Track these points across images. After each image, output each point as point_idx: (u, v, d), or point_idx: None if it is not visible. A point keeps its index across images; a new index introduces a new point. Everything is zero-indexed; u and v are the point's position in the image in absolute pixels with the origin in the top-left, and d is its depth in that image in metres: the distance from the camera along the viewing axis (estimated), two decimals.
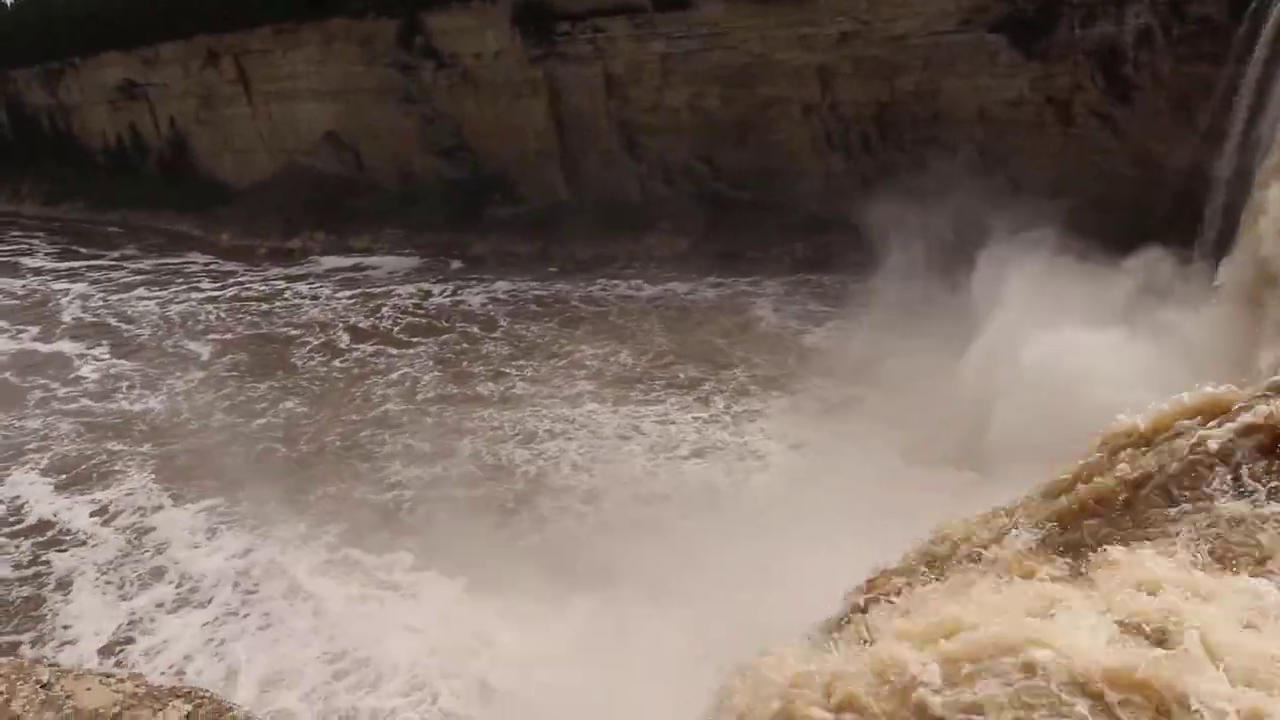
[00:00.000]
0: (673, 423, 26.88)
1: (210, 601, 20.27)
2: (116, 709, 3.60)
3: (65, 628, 19.85)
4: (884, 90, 37.94)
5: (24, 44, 79.31)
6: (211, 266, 52.77)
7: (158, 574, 21.57)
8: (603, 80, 44.16)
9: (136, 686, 3.82)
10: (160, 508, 24.65)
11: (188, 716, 3.69)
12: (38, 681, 3.74)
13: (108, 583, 21.38)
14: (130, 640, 19.26)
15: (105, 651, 18.91)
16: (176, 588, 20.93)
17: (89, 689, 3.70)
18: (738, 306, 36.26)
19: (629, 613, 17.10)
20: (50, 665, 3.85)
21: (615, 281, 40.49)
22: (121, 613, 20.20)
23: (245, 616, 19.65)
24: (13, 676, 3.74)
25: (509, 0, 45.18)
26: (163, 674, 17.77)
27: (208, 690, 3.99)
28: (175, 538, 22.93)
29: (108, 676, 3.90)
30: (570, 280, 41.43)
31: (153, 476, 26.48)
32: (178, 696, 3.81)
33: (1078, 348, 20.55)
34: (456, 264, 46.32)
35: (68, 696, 3.64)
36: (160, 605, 20.36)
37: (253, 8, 56.32)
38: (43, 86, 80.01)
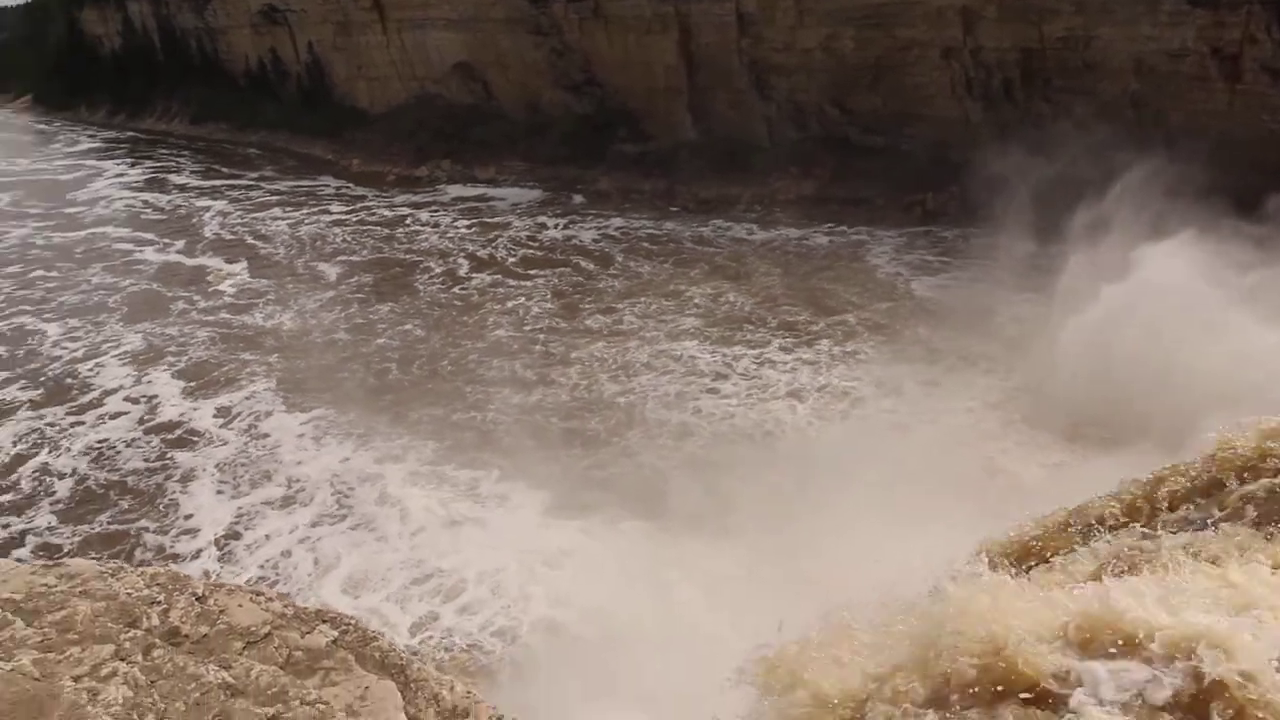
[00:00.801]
0: (772, 364, 26.71)
1: (311, 502, 21.37)
2: (266, 628, 3.58)
3: (186, 518, 21.15)
4: (1031, 35, 35.86)
5: None
6: (343, 191, 54.29)
7: (267, 475, 22.79)
8: (735, 18, 43.11)
9: (285, 607, 3.80)
10: (273, 413, 26.01)
11: (334, 641, 3.65)
12: (193, 594, 3.75)
13: (223, 480, 22.67)
14: (238, 535, 20.41)
15: (218, 543, 20.10)
16: (282, 488, 22.12)
17: (240, 605, 3.70)
18: (855, 254, 35.48)
19: (698, 547, 17.29)
20: (204, 580, 3.87)
21: (733, 223, 40.08)
22: (232, 508, 21.37)
23: (340, 519, 20.61)
24: (170, 587, 3.75)
25: None
26: (261, 566, 19.16)
27: (353, 617, 3.97)
28: (286, 442, 24.21)
29: (258, 595, 3.90)
30: (690, 220, 41.14)
31: (273, 385, 27.84)
32: (324, 620, 3.78)
33: (1216, 322, 19.21)
34: (579, 198, 46.44)
35: (221, 611, 3.63)
36: (267, 503, 21.53)
37: None
38: (192, 10, 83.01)
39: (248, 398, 27.17)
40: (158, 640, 3.52)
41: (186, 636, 3.65)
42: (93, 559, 4.36)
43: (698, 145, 45.85)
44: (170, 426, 25.75)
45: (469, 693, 3.80)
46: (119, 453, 24.37)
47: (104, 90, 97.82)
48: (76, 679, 3.16)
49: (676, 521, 18.27)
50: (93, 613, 3.55)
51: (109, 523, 21.14)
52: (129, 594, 3.76)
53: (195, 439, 24.93)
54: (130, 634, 3.47)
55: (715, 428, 23.23)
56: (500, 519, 19.87)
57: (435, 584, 18.06)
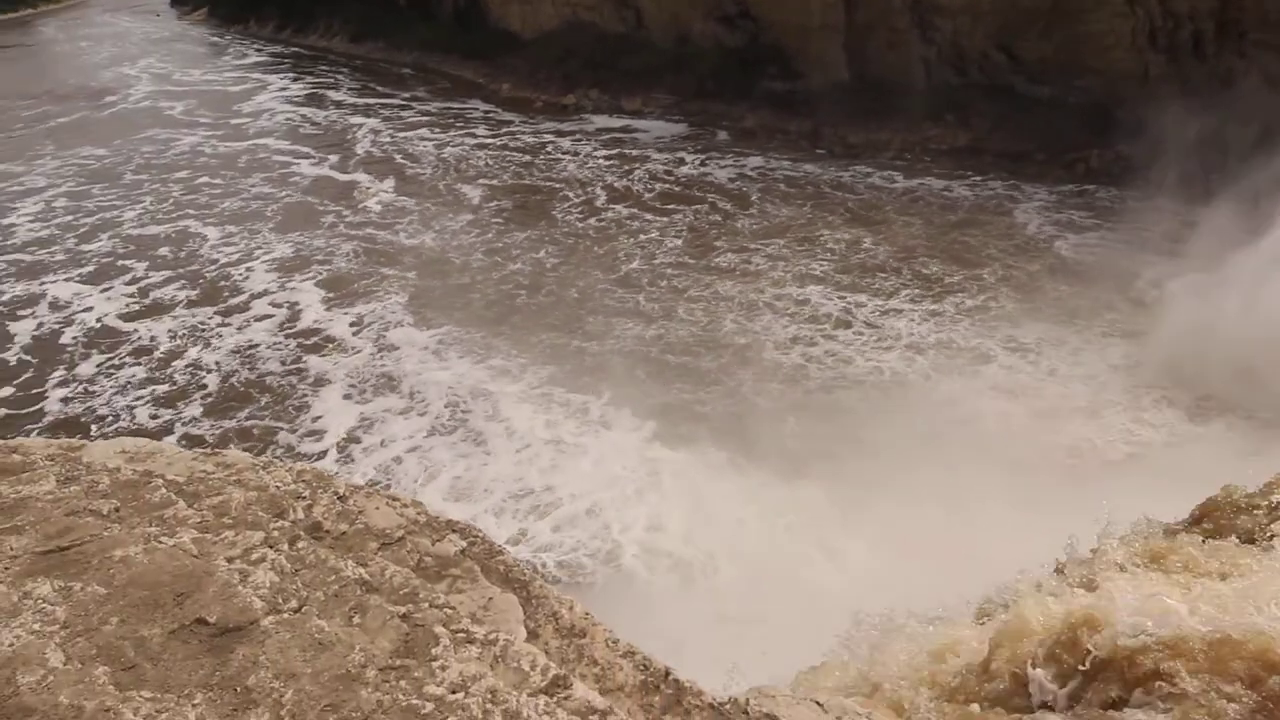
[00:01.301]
0: (900, 314, 26.16)
1: (426, 413, 22.46)
2: (400, 531, 3.73)
3: (315, 419, 22.63)
4: None
5: None
6: (490, 115, 55.02)
7: (391, 384, 24.15)
8: None
9: (418, 513, 3.95)
10: (403, 325, 27.37)
11: (463, 551, 3.77)
12: (335, 493, 3.93)
13: (350, 386, 24.18)
14: (358, 440, 21.70)
15: (339, 445, 21.47)
16: (403, 399, 23.36)
17: (377, 508, 3.86)
18: (1001, 208, 33.98)
19: (791, 490, 17.51)
20: (347, 483, 4.05)
21: (876, 169, 38.72)
22: (356, 413, 22.78)
23: (452, 431, 21.71)
24: (315, 484, 3.95)
25: None
26: (375, 469, 20.36)
27: (480, 530, 4.10)
28: (411, 355, 25.54)
29: (394, 499, 4.06)
30: (833, 163, 40.04)
31: (405, 300, 29.15)
32: (454, 530, 3.91)
33: None
34: (723, 135, 45.74)
35: (359, 512, 3.80)
36: (388, 410, 22.88)
37: None
38: None
39: (381, 310, 28.52)
40: (301, 533, 3.67)
41: (328, 532, 3.80)
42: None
43: (849, 86, 44.36)
44: (308, 333, 27.40)
45: (586, 614, 3.85)
46: (260, 354, 26.13)
47: (273, 5, 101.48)
48: (229, 560, 3.33)
49: (774, 461, 18.58)
50: (245, 501, 3.73)
51: (246, 419, 22.77)
52: (278, 487, 3.93)
53: (329, 345, 26.49)
54: (278, 524, 3.63)
55: (826, 374, 23.17)
56: (603, 443, 20.49)
57: (533, 500, 18.81)
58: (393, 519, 3.97)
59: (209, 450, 4.24)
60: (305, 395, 23.77)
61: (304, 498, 3.89)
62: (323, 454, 20.99)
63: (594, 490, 18.77)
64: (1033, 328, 24.33)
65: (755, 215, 34.79)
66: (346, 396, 23.59)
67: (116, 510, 3.57)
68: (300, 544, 3.53)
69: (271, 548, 3.45)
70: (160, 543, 3.37)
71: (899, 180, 37.67)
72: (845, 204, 35.49)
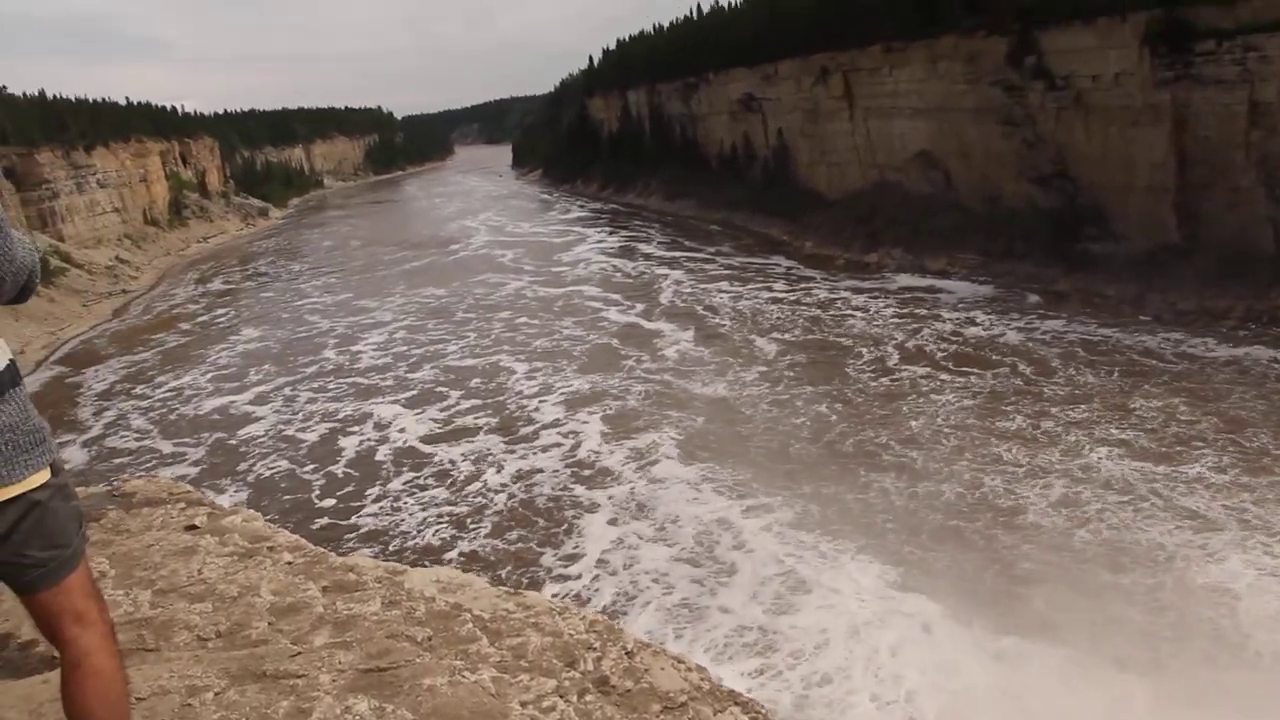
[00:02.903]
0: (1205, 486, 23.55)
1: (675, 543, 23.34)
2: (683, 696, 3.70)
3: (576, 544, 23.92)
4: None
5: (671, 62, 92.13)
6: (792, 271, 56.28)
7: (648, 511, 25.30)
8: (1246, 108, 38.22)
9: (701, 679, 3.92)
10: (672, 459, 28.60)
11: None
12: (624, 648, 4.00)
13: (613, 513, 25.45)
14: (607, 563, 22.76)
15: (591, 570, 22.52)
16: (655, 526, 24.41)
17: (663, 669, 3.88)
18: None
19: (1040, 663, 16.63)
20: (635, 638, 4.11)
21: (1221, 341, 34.66)
22: (611, 537, 24.05)
23: (698, 563, 22.25)
24: (605, 636, 4.04)
25: (1142, 17, 41.18)
26: (615, 592, 21.26)
27: (763, 706, 3.99)
28: (673, 487, 26.62)
29: (679, 662, 4.06)
30: (1165, 330, 36.59)
31: (681, 439, 30.33)
32: (736, 703, 3.82)
33: None
34: (1034, 298, 43.60)
35: (645, 670, 3.82)
36: (640, 536, 23.92)
37: (867, 26, 58.71)
38: (680, 98, 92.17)
39: (654, 445, 29.97)
40: (590, 685, 3.67)
41: (614, 688, 3.77)
42: (546, 595, 4.73)
43: (1179, 249, 41.08)
44: (583, 464, 29.20)
45: None
46: (539, 480, 28.21)
47: (598, 166, 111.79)
48: (523, 704, 3.38)
49: (1023, 626, 18.00)
50: (541, 645, 3.80)
51: (516, 541, 24.51)
52: (571, 635, 3.98)
53: (601, 477, 28.09)
54: (569, 674, 3.65)
55: (1099, 546, 21.39)
56: (844, 589, 20.22)
57: (760, 640, 18.82)
58: (677, 682, 3.90)
59: (511, 590, 4.40)
60: (572, 519, 25.35)
61: (594, 649, 3.91)
62: (577, 576, 22.30)
63: (836, 628, 18.77)
64: None
65: (1060, 381, 32.44)
66: (610, 523, 24.93)
67: (429, 639, 3.75)
68: (588, 697, 3.53)
69: (562, 697, 3.47)
70: (464, 677, 3.48)
71: (1238, 349, 33.82)
72: (1168, 372, 32.28)
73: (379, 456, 31.22)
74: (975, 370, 34.56)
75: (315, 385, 40.49)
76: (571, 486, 27.46)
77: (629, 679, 3.79)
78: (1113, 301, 40.71)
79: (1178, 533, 21.50)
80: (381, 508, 27.10)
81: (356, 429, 34.12)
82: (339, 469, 30.40)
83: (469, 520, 25.90)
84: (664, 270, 60.33)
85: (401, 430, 33.55)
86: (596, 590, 21.40)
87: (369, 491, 28.26)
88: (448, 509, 26.69)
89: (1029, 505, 23.63)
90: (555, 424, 32.82)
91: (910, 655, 17.59)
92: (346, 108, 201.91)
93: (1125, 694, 15.58)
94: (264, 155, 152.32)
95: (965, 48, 51.24)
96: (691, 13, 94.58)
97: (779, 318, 45.33)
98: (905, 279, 50.49)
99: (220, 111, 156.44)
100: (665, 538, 23.71)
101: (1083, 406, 29.83)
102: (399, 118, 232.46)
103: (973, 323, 40.88)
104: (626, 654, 3.96)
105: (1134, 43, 41.67)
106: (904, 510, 24.03)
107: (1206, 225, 40.68)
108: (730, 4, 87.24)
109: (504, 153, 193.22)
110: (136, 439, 35.28)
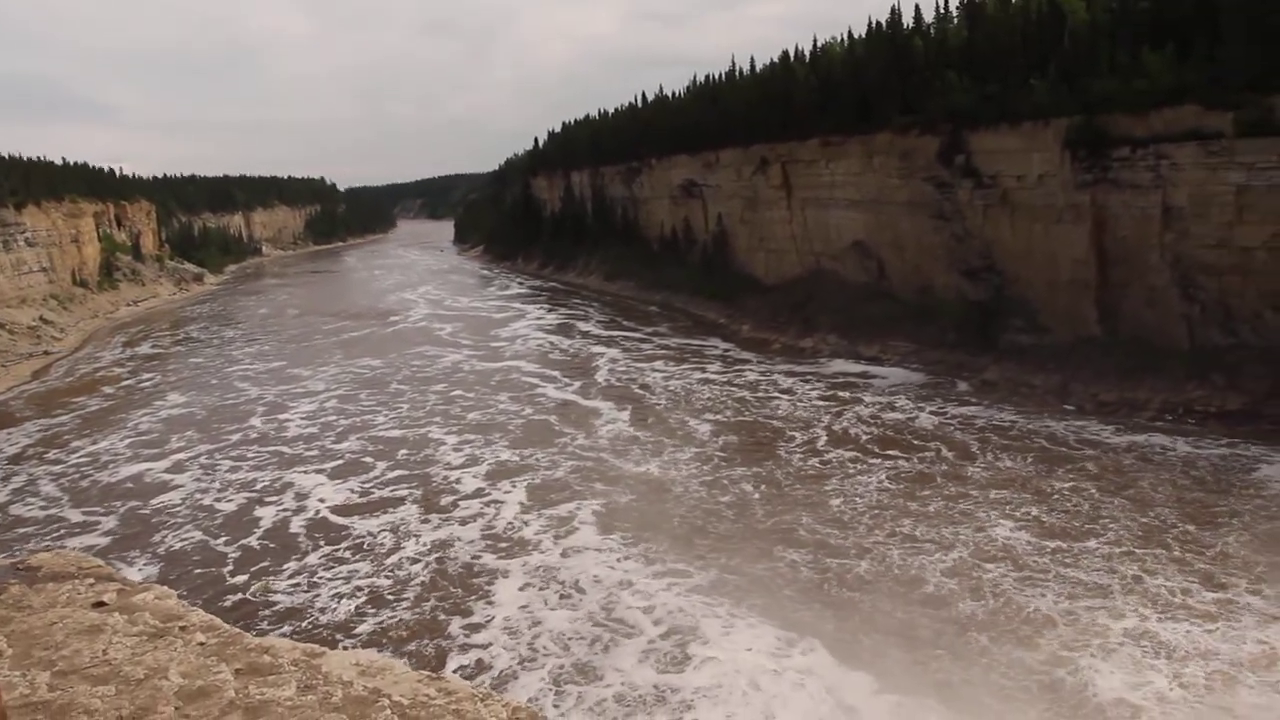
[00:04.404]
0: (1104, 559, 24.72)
1: (575, 603, 24.25)
2: None
3: (486, 610, 24.15)
4: None
5: (614, 146, 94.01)
6: (729, 353, 56.85)
7: (557, 580, 25.76)
8: (1160, 211, 40.05)
9: None
10: (580, 529, 29.20)
11: None
12: None
13: (528, 580, 25.87)
14: (515, 631, 22.97)
15: (504, 630, 22.95)
16: (565, 591, 24.98)
17: None
18: (1256, 480, 30.25)
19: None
20: None
21: (1138, 432, 35.69)
22: (519, 598, 24.66)
23: (597, 624, 23.05)
24: None
25: (1063, 123, 43.25)
26: (517, 658, 21.76)
27: None
28: (588, 557, 27.09)
29: None
30: (1085, 420, 37.59)
31: (595, 511, 30.79)
32: None
33: None
34: (963, 385, 44.55)
35: None
36: (545, 604, 24.36)
37: (806, 121, 60.70)
38: (623, 181, 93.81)
39: (575, 517, 30.34)
40: None
41: None
42: (465, 679, 4.58)
43: (1101, 342, 42.51)
44: (499, 536, 29.37)
45: None
46: (454, 550, 28.21)
47: (539, 245, 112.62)
48: None
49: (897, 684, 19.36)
50: None
51: (430, 609, 24.46)
52: None
53: (518, 546, 28.40)
54: None
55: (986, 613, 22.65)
56: (731, 649, 21.29)
57: (652, 700, 19.66)
58: None
59: (433, 674, 4.26)
60: (484, 586, 25.55)
61: None
62: (484, 645, 22.44)
63: (722, 690, 19.70)
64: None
65: (983, 467, 33.14)
66: (521, 589, 25.34)
67: None
68: None
69: None
70: None
71: (1154, 439, 34.89)
72: (1089, 460, 33.10)
73: (297, 528, 30.46)
74: (900, 454, 35.17)
75: (237, 453, 39.42)
76: (480, 558, 27.62)
77: None
78: (1039, 391, 41.79)
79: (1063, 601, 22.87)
80: (298, 583, 26.26)
81: (275, 499, 33.28)
82: (255, 541, 29.52)
83: (386, 593, 25.45)
84: (601, 349, 60.52)
85: (322, 500, 32.92)
86: (496, 656, 21.88)
87: (286, 565, 27.43)
88: (364, 581, 26.16)
89: (929, 577, 24.59)
90: (478, 495, 32.84)
91: (797, 704, 19.07)
92: (289, 176, 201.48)
93: None
94: (202, 221, 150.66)
95: (899, 145, 53.15)
96: (636, 100, 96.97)
97: (713, 398, 45.59)
98: (840, 364, 51.31)
99: (160, 175, 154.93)
100: (571, 603, 24.31)
101: (997, 490, 30.61)
102: (342, 189, 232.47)
103: (900, 409, 41.54)
104: None
105: (1056, 146, 43.61)
106: (808, 581, 24.94)
107: (1126, 320, 42.23)
108: (674, 93, 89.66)
109: (446, 228, 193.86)
110: (44, 507, 33.82)
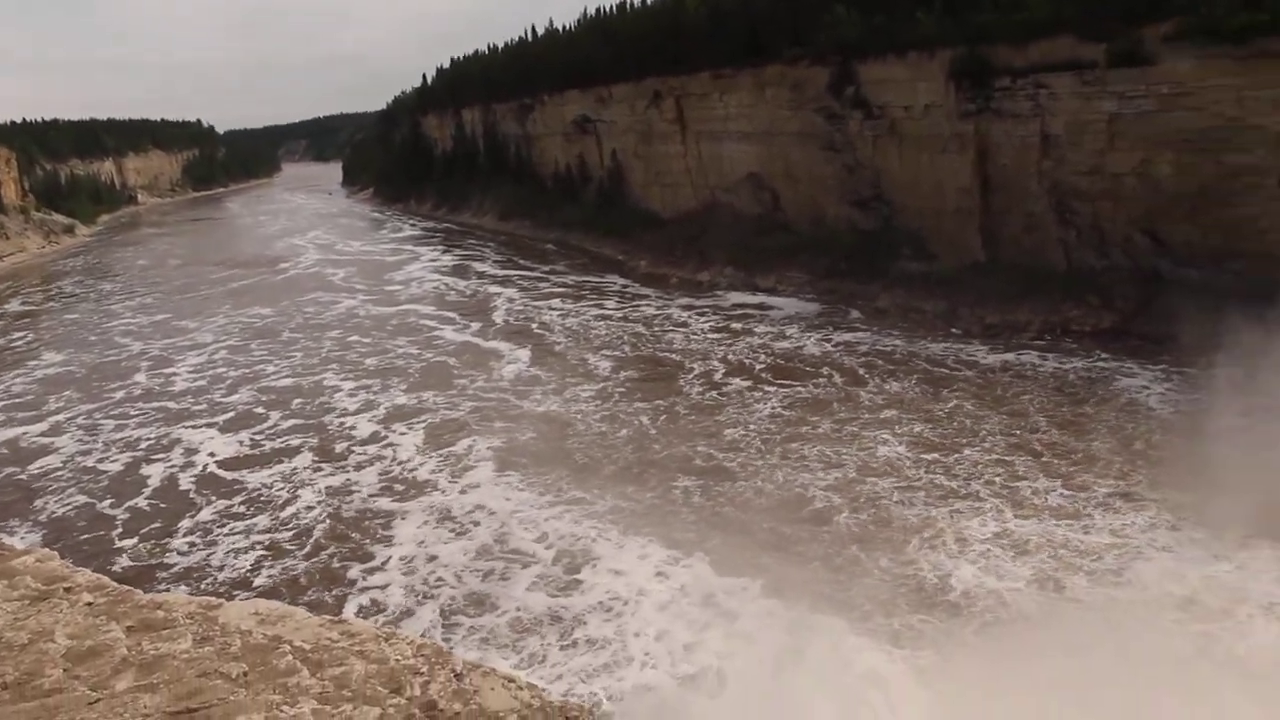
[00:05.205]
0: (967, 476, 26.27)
1: (470, 536, 24.85)
2: (514, 716, 3.63)
3: (385, 551, 24.32)
4: None
5: (506, 82, 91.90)
6: (626, 289, 56.94)
7: (453, 518, 26.06)
8: (1038, 139, 41.45)
9: (532, 697, 3.87)
10: (477, 467, 29.46)
11: None
12: (453, 670, 3.89)
13: (425, 519, 26.25)
14: (412, 570, 23.29)
15: (401, 569, 23.29)
16: (459, 527, 25.44)
17: (493, 689, 3.80)
18: (1111, 390, 32.40)
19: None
20: (464, 660, 4.01)
21: (1017, 350, 37.57)
22: (416, 535, 25.15)
23: (492, 557, 23.66)
24: (434, 660, 3.93)
25: (948, 54, 44.08)
26: (412, 591, 22.11)
27: (593, 714, 3.97)
28: (486, 492, 27.59)
29: (510, 681, 3.99)
30: (970, 342, 39.27)
31: (493, 448, 30.96)
32: (567, 716, 3.79)
33: None
34: (856, 314, 45.76)
35: (474, 691, 3.74)
36: (441, 540, 24.83)
37: (697, 54, 60.37)
38: (515, 118, 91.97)
39: (466, 451, 30.78)
40: (417, 711, 3.58)
41: (442, 711, 3.70)
42: (369, 622, 4.59)
43: (986, 268, 44.11)
44: (399, 478, 29.34)
45: None
46: (352, 494, 28.13)
47: (431, 186, 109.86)
48: None
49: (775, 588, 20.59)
50: (365, 674, 3.69)
51: (329, 556, 24.34)
52: (397, 660, 3.88)
53: (412, 486, 28.53)
54: (395, 700, 3.56)
55: (859, 517, 24.34)
56: (629, 569, 22.32)
57: (547, 621, 20.40)
58: (507, 701, 3.87)
59: (335, 618, 4.26)
60: (380, 531, 25.61)
61: (421, 673, 3.82)
62: (382, 586, 22.56)
63: (622, 612, 20.60)
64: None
65: (872, 390, 34.34)
66: (421, 525, 25.71)
67: (245, 675, 3.58)
68: None
69: None
70: (281, 711, 3.34)
71: (1025, 356, 36.85)
72: (968, 380, 34.74)
73: (187, 485, 29.64)
74: (793, 381, 36.16)
75: (120, 411, 37.88)
76: (383, 499, 27.68)
77: (458, 701, 3.72)
78: (928, 316, 43.23)
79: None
80: (192, 541, 25.59)
81: (163, 456, 32.21)
82: (144, 501, 28.57)
83: (285, 544, 25.10)
84: (498, 289, 59.92)
85: (213, 455, 32.03)
86: (391, 595, 22.11)
87: (179, 525, 26.65)
88: (262, 536, 25.69)
89: (814, 494, 25.78)
90: (374, 439, 32.62)
91: (679, 612, 20.27)
92: (163, 120, 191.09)
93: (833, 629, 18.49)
94: (70, 168, 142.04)
95: (790, 76, 53.42)
96: (526, 34, 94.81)
97: (612, 334, 45.77)
98: (737, 296, 51.98)
99: (18, 120, 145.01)
100: (468, 537, 24.77)
101: (886, 411, 31.92)
102: (222, 131, 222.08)
103: (793, 338, 42.56)
104: (455, 676, 3.89)
105: (941, 77, 44.50)
106: (699, 506, 25.83)
107: (1007, 246, 43.85)
108: (565, 27, 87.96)
109: (333, 170, 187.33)
110: None
